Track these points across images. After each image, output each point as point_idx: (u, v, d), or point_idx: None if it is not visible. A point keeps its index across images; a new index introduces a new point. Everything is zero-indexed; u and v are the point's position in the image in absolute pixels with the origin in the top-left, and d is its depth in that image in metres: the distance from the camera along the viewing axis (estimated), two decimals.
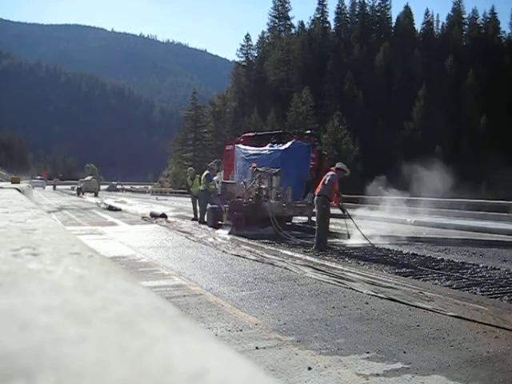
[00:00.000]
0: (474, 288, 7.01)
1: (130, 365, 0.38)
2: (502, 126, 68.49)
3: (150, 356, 0.40)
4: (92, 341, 0.44)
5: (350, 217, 11.75)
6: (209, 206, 15.62)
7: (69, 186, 68.91)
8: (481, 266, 9.05)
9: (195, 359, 0.41)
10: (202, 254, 9.96)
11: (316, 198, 11.35)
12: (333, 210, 11.78)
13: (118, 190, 71.46)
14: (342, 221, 12.37)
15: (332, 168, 12.02)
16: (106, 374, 0.37)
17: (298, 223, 16.30)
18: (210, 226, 14.92)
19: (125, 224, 16.73)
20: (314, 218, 13.79)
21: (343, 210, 11.66)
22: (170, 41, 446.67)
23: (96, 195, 45.70)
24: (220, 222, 14.64)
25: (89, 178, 55.78)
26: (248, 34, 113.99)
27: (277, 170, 14.36)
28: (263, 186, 14.13)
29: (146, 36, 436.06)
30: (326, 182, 11.16)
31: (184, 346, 0.43)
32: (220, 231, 13.83)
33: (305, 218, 16.43)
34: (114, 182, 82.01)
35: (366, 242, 11.36)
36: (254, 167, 14.64)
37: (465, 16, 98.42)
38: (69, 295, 0.56)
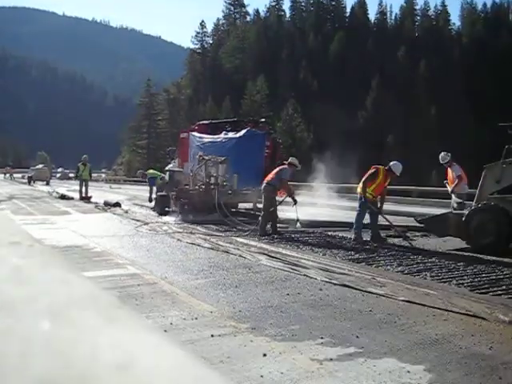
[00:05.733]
0: (424, 273, 7.17)
1: (54, 356, 0.36)
2: (452, 114, 70.19)
3: (76, 347, 0.38)
4: (18, 333, 0.40)
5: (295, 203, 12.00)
6: (157, 193, 16.48)
7: (19, 175, 67.01)
8: (431, 251, 9.27)
9: (124, 349, 0.40)
10: (157, 243, 9.88)
11: (266, 185, 11.65)
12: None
13: (70, 179, 69.91)
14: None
15: (285, 162, 12.35)
16: (28, 366, 0.35)
17: (242, 209, 16.51)
18: (158, 213, 15.28)
19: (78, 213, 16.42)
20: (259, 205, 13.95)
21: (295, 201, 11.84)
22: (124, 26, 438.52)
23: (48, 184, 44.63)
24: (167, 209, 15.02)
25: (40, 166, 54.52)
26: (203, 21, 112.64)
27: (223, 158, 14.62)
28: (214, 174, 14.40)
29: (98, 21, 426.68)
30: (283, 177, 11.57)
31: (114, 337, 0.41)
32: (167, 218, 14.15)
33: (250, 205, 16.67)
34: (66, 171, 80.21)
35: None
36: (201, 156, 14.89)
37: (417, 7, 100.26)
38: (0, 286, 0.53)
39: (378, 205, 11.10)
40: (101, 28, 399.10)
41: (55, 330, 0.41)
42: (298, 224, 12.31)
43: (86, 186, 23.02)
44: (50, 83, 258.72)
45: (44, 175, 48.57)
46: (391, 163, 11.03)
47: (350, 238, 10.82)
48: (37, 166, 54.52)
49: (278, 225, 11.99)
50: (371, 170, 10.92)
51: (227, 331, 4.44)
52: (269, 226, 11.62)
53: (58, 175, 68.01)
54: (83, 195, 22.63)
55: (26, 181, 47.62)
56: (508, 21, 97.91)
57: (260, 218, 11.60)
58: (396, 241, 10.69)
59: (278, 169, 11.95)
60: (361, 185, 11.03)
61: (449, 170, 12.55)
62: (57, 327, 0.39)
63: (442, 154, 12.63)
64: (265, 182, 11.79)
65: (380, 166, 11.03)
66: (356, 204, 11.18)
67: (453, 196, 12.43)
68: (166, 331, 4.36)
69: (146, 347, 0.41)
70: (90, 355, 0.37)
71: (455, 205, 12.17)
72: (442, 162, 12.63)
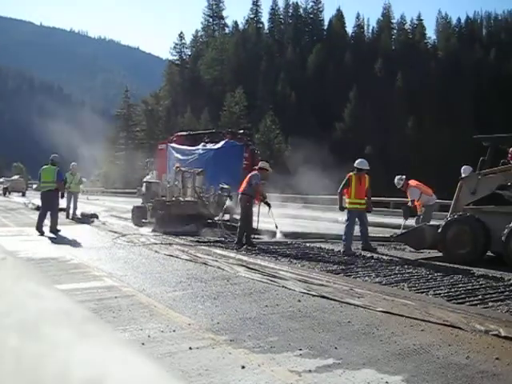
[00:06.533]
0: (401, 284, 7.21)
1: (24, 373, 0.35)
2: (428, 125, 71.19)
3: (47, 363, 0.37)
4: None
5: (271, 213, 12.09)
6: (134, 204, 16.51)
7: None
8: (408, 262, 9.34)
9: (95, 365, 0.39)
10: (134, 255, 9.80)
11: (240, 196, 11.60)
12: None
13: None
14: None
15: (255, 167, 12.34)
16: None
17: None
18: (134, 224, 15.26)
19: None
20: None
21: (269, 206, 11.90)
22: (102, 37, 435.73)
23: (23, 195, 44.04)
24: (144, 221, 15.03)
25: (16, 177, 53.85)
26: (182, 33, 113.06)
27: (200, 170, 14.65)
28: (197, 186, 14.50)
29: (76, 31, 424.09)
30: (253, 183, 11.46)
31: (86, 352, 0.40)
32: (143, 229, 14.13)
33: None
34: None
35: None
36: (178, 167, 14.93)
37: (394, 21, 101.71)
38: None
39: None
40: (79, 38, 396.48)
41: (27, 345, 0.40)
42: (279, 234, 12.32)
43: (76, 202, 18.69)
44: (27, 94, 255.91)
45: (20, 186, 48.01)
46: (355, 163, 11.16)
47: (328, 250, 10.86)
48: (12, 177, 53.77)
49: (256, 236, 12.02)
50: (344, 180, 11.10)
51: (205, 343, 4.40)
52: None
53: (35, 186, 67.13)
54: (73, 214, 18.34)
55: (0, 192, 46.91)
56: (481, 35, 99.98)
57: (239, 229, 11.54)
58: (373, 253, 10.76)
59: (248, 176, 11.83)
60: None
61: (407, 193, 12.57)
62: (28, 342, 0.38)
63: (396, 179, 12.61)
64: (239, 192, 11.71)
65: (350, 173, 11.14)
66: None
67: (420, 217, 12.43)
68: (143, 344, 4.32)
69: (122, 361, 0.40)
70: (62, 370, 0.36)
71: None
72: (397, 186, 12.69)
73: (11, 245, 10.30)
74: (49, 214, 13.80)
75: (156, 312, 5.48)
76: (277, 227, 12.37)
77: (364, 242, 11.13)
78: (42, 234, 13.24)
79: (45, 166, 14.47)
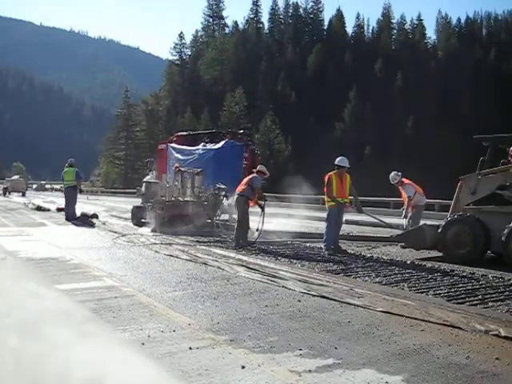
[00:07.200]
0: (401, 284, 7.21)
1: (24, 373, 0.35)
2: (428, 125, 71.14)
3: (47, 363, 0.37)
4: None
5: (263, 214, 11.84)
6: (133, 204, 16.75)
7: None
8: (408, 262, 9.35)
9: (95, 365, 0.39)
10: (134, 255, 9.80)
11: (238, 197, 11.55)
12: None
13: (46, 190, 68.98)
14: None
15: (254, 170, 12.29)
16: None
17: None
18: (134, 224, 15.38)
19: (54, 225, 16.23)
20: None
21: (262, 208, 11.69)
22: (102, 37, 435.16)
23: (24, 195, 44.05)
24: (144, 220, 15.05)
25: (16, 177, 53.89)
26: (182, 33, 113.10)
27: (199, 170, 14.67)
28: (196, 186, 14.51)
29: (76, 31, 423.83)
30: (253, 185, 11.42)
31: (86, 352, 0.40)
32: (143, 229, 14.19)
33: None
34: (42, 182, 79.06)
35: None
36: (177, 167, 14.95)
37: (394, 21, 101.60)
38: None
39: (354, 206, 11.21)
40: (79, 38, 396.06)
41: (27, 345, 0.40)
42: (256, 234, 11.90)
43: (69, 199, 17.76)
44: (27, 94, 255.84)
45: (20, 186, 47.99)
46: (336, 161, 10.94)
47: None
48: (12, 177, 53.77)
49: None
50: (325, 181, 10.88)
51: (205, 343, 4.40)
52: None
53: (35, 186, 67.11)
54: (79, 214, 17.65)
55: (0, 192, 46.90)
56: (481, 35, 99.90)
57: (236, 231, 11.49)
58: (374, 252, 10.77)
59: (247, 178, 11.81)
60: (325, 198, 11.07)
61: (401, 190, 12.55)
62: (28, 342, 0.38)
63: (392, 174, 12.49)
64: (236, 193, 11.65)
65: (330, 173, 10.95)
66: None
67: (404, 221, 12.41)
68: (143, 344, 4.32)
69: (122, 361, 0.40)
70: (62, 370, 0.36)
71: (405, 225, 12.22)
72: (392, 182, 12.60)
73: (11, 245, 10.30)
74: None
75: (156, 312, 5.48)
76: (258, 230, 11.96)
77: (333, 244, 10.76)
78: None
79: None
